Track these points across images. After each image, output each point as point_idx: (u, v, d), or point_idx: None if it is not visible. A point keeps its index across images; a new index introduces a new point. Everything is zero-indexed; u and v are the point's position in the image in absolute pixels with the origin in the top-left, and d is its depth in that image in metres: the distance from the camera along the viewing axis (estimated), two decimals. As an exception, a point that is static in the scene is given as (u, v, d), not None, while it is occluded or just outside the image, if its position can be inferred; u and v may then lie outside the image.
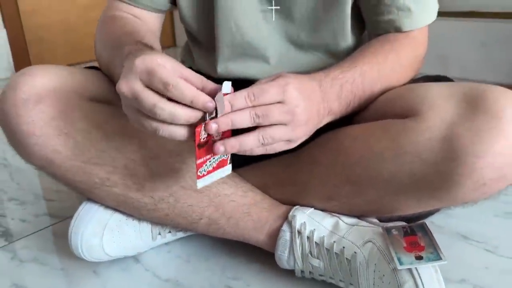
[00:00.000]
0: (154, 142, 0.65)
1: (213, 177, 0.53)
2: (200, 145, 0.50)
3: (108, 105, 0.66)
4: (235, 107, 0.49)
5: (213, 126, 0.47)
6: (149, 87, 0.47)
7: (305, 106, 0.52)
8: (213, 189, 0.68)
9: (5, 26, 2.13)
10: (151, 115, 0.47)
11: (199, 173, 0.51)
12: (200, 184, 0.52)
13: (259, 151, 0.51)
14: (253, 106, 0.49)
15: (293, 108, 0.51)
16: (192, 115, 0.48)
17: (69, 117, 0.62)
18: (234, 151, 0.50)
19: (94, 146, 0.63)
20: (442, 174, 0.54)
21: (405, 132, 0.57)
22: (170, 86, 0.46)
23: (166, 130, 0.48)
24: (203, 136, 0.49)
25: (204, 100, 0.47)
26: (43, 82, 0.62)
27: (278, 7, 0.71)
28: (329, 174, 0.65)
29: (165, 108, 0.47)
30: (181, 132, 0.49)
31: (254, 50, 0.74)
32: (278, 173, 0.71)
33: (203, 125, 0.48)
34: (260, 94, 0.49)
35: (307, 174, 0.67)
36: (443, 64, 1.80)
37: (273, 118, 0.50)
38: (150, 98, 0.47)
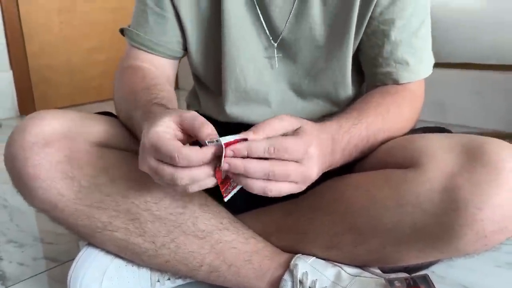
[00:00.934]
0: (157, 188, 0.66)
1: (236, 189, 0.54)
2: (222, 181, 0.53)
3: (116, 149, 0.67)
4: (252, 154, 0.50)
5: (225, 166, 0.50)
6: (162, 160, 0.51)
7: (318, 168, 0.54)
8: (215, 235, 0.68)
9: (12, 67, 2.17)
10: (173, 184, 0.51)
11: (224, 194, 0.54)
12: (226, 198, 0.54)
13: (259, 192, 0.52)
14: (271, 159, 0.50)
15: (309, 171, 0.53)
16: (208, 170, 0.51)
17: (76, 161, 0.63)
18: (239, 179, 0.51)
19: (98, 190, 0.64)
20: (443, 225, 0.55)
21: (406, 182, 0.58)
22: (176, 158, 0.49)
23: (194, 187, 0.52)
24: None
25: (212, 153, 0.50)
26: (52, 126, 0.63)
27: (281, 55, 0.74)
28: (330, 223, 0.65)
29: (183, 176, 0.50)
30: (209, 183, 0.52)
31: (257, 96, 0.77)
32: (280, 220, 0.71)
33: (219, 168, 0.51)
34: (282, 152, 0.50)
35: (309, 222, 0.68)
36: (441, 110, 1.83)
37: (287, 178, 0.51)
38: (166, 171, 0.50)
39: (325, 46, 0.72)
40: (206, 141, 0.50)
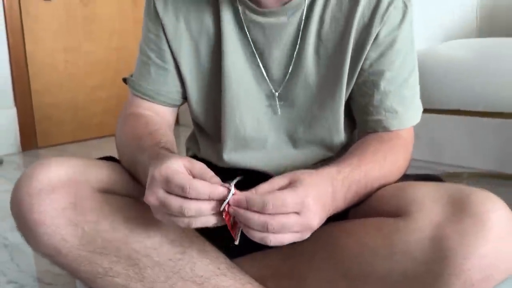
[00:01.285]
0: (157, 233, 0.68)
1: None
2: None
3: (118, 195, 0.69)
4: (251, 208, 0.53)
5: (231, 211, 0.54)
6: (171, 192, 0.54)
7: (319, 216, 0.57)
8: (212, 280, 0.69)
9: (16, 104, 2.22)
10: (180, 215, 0.54)
11: (235, 237, 0.57)
12: (236, 242, 0.57)
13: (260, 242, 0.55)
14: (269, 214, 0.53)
15: (309, 221, 0.55)
16: (214, 206, 0.54)
17: (80, 208, 0.65)
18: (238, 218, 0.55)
19: (101, 236, 0.66)
20: (433, 274, 0.57)
21: (397, 231, 0.60)
22: (187, 189, 0.53)
23: (198, 222, 0.55)
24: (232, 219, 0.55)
25: (219, 192, 0.54)
26: (58, 173, 0.66)
27: (282, 103, 0.77)
28: (325, 269, 0.67)
29: (191, 207, 0.53)
30: (212, 220, 0.55)
31: (255, 142, 0.80)
32: (276, 265, 0.73)
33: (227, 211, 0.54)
34: (279, 207, 0.53)
35: (304, 268, 0.69)
36: (437, 150, 1.87)
37: (287, 230, 0.54)
38: (174, 202, 0.54)
39: (319, 95, 0.76)
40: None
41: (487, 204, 0.56)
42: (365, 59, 0.72)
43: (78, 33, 2.40)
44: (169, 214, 0.55)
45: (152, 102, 0.82)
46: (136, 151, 0.69)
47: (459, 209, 0.57)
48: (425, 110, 1.08)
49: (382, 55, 0.72)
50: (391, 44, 0.72)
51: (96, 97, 2.52)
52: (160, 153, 0.62)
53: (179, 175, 0.54)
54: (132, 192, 0.70)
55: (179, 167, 0.56)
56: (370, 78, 0.73)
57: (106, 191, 0.69)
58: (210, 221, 0.55)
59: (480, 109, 1.05)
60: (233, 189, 0.54)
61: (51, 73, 2.34)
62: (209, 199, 0.54)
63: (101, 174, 0.70)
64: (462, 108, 1.07)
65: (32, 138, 2.31)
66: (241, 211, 0.54)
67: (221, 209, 0.54)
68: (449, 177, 1.72)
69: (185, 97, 0.83)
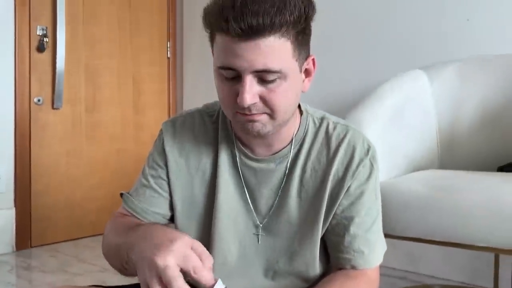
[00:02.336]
0: None
1: None
2: None
3: None
4: None
5: None
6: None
7: None
8: None
9: (15, 205, 2.32)
10: None
11: None
12: None
13: None
14: None
15: None
16: None
17: None
18: None
19: None
20: None
21: None
22: None
23: None
24: None
25: None
26: None
27: (264, 234, 0.89)
28: None
29: None
30: None
31: (240, 270, 0.90)
32: None
33: None
34: None
35: None
36: (412, 261, 1.97)
37: None
38: None
39: (299, 232, 0.88)
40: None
41: None
42: (338, 205, 0.86)
43: (82, 137, 2.58)
44: None
45: (138, 218, 0.90)
46: (124, 233, 0.77)
47: None
48: (391, 237, 1.20)
49: (352, 203, 0.86)
50: (359, 196, 0.86)
51: (92, 196, 2.63)
52: (159, 224, 0.73)
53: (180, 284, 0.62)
54: None
55: (172, 262, 0.63)
56: (342, 221, 0.87)
57: None
58: None
59: (437, 239, 1.17)
60: None
61: (52, 174, 2.47)
62: None
63: None
64: (422, 237, 1.19)
65: (27, 239, 2.37)
66: None
67: None
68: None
69: (170, 220, 0.94)
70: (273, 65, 0.72)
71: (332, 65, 2.15)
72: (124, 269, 0.79)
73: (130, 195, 0.93)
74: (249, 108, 0.75)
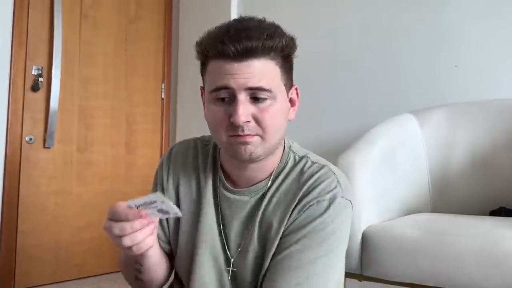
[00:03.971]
0: None
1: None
2: None
3: None
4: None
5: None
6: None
7: None
8: None
9: (0, 245, 2.26)
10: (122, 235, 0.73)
11: None
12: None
13: None
14: None
15: None
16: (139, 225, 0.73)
17: None
18: None
19: None
20: None
21: None
22: (114, 214, 0.74)
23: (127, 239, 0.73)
24: None
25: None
26: None
27: (234, 269, 0.89)
28: None
29: (127, 226, 0.73)
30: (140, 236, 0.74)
31: None
32: None
33: None
34: None
35: None
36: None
37: None
38: (116, 225, 0.73)
39: (261, 268, 0.87)
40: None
41: None
42: (280, 238, 0.85)
43: (72, 177, 2.55)
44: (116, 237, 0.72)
45: None
46: None
47: None
48: (383, 281, 1.19)
49: (289, 234, 0.84)
50: (300, 230, 0.83)
51: (79, 238, 2.57)
52: None
53: (118, 207, 0.72)
54: None
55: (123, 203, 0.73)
56: (279, 246, 0.85)
57: None
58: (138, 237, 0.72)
59: (430, 284, 1.15)
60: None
61: (39, 215, 2.42)
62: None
63: None
64: (415, 283, 1.17)
65: (10, 279, 2.30)
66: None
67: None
68: None
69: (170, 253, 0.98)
70: (265, 83, 0.79)
71: (323, 109, 2.18)
72: (139, 280, 0.90)
73: None
74: (242, 128, 0.79)
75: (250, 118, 0.80)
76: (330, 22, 2.20)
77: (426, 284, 1.15)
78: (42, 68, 2.43)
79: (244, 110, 0.79)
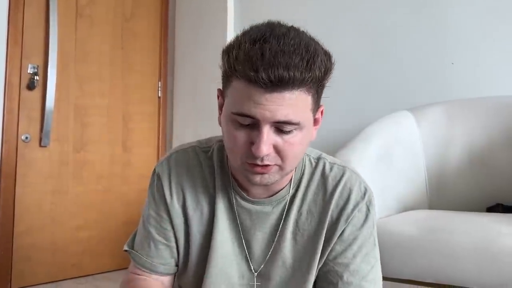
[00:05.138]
0: None
1: None
2: None
3: None
4: None
5: None
6: None
7: None
8: None
9: (-3, 246, 2.25)
10: None
11: None
12: None
13: None
14: None
15: None
16: None
17: None
18: None
19: None
20: None
21: None
22: None
23: None
24: None
25: None
26: None
27: (260, 283, 0.86)
28: None
29: None
30: None
31: None
32: None
33: None
34: None
35: None
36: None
37: None
38: None
39: (294, 278, 0.85)
40: None
41: None
42: (331, 251, 0.84)
43: (68, 176, 2.54)
44: None
45: (150, 273, 0.89)
46: None
47: None
48: (383, 279, 1.18)
49: (345, 249, 0.83)
50: (354, 242, 0.83)
51: (76, 238, 2.55)
52: None
53: None
54: None
55: None
56: (334, 268, 0.84)
57: None
58: None
59: (428, 280, 1.15)
60: None
61: (35, 215, 2.41)
62: None
63: None
64: (413, 279, 1.17)
65: (7, 280, 2.29)
66: None
67: None
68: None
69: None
70: (294, 117, 0.70)
71: (321, 106, 2.17)
72: None
73: (136, 250, 0.91)
74: (261, 159, 0.72)
75: (271, 149, 0.72)
76: (327, 19, 2.19)
77: (424, 281, 1.15)
78: (37, 66, 2.41)
79: (267, 141, 0.71)
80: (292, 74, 0.67)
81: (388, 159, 1.50)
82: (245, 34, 0.72)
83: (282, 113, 0.69)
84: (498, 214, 1.37)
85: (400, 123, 1.63)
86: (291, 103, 0.69)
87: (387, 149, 1.52)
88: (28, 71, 2.39)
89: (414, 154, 1.60)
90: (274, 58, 0.66)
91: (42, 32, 2.43)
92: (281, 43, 0.68)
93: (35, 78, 2.39)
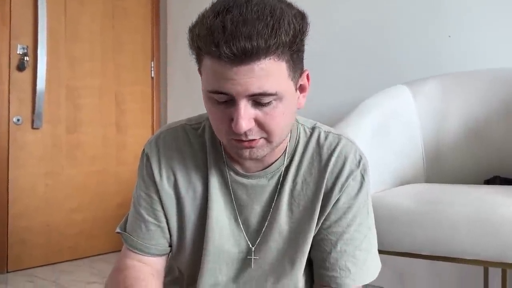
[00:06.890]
0: None
1: None
2: None
3: None
4: None
5: None
6: None
7: None
8: None
9: (-9, 229, 2.24)
10: None
11: None
12: None
13: None
14: None
15: None
16: None
17: None
18: None
19: None
20: None
21: None
22: None
23: None
24: None
25: None
26: None
27: (257, 257, 0.85)
28: None
29: None
30: None
31: None
32: None
33: None
34: None
35: None
36: (400, 278, 1.93)
37: None
38: None
39: (289, 249, 0.84)
40: None
41: None
42: (325, 219, 0.82)
43: (62, 158, 2.52)
44: None
45: (143, 255, 0.88)
46: None
47: None
48: (378, 251, 1.17)
49: (340, 218, 0.82)
50: (348, 210, 0.82)
51: (71, 220, 2.55)
52: None
53: None
54: None
55: None
56: (328, 237, 0.83)
57: None
58: None
59: (425, 253, 1.14)
60: None
61: (30, 197, 2.40)
62: None
63: None
64: (410, 252, 1.16)
65: (3, 263, 2.28)
66: None
67: None
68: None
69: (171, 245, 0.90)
70: (268, 88, 0.67)
71: (315, 82, 2.14)
72: None
73: (127, 232, 0.90)
74: (245, 134, 0.71)
75: (252, 123, 0.70)
76: (321, -6, 2.15)
77: (421, 253, 1.14)
78: (27, 47, 2.37)
79: (246, 116, 0.68)
80: (256, 43, 0.63)
81: (384, 133, 1.48)
82: (210, 7, 0.69)
83: (255, 85, 0.66)
84: (496, 186, 1.36)
85: (397, 97, 1.61)
86: (263, 74, 0.66)
87: (383, 123, 1.49)
88: (18, 52, 2.34)
89: (410, 128, 1.58)
90: (236, 29, 0.63)
91: (31, 11, 2.38)
92: (243, 11, 0.65)
93: (25, 59, 2.35)
